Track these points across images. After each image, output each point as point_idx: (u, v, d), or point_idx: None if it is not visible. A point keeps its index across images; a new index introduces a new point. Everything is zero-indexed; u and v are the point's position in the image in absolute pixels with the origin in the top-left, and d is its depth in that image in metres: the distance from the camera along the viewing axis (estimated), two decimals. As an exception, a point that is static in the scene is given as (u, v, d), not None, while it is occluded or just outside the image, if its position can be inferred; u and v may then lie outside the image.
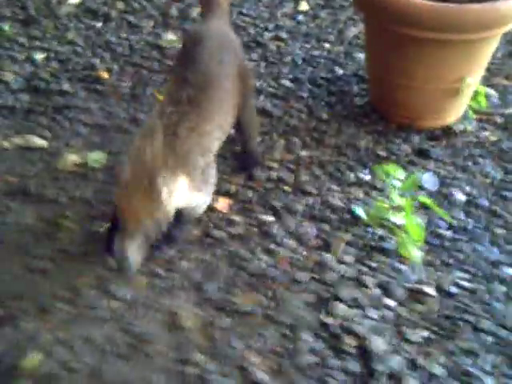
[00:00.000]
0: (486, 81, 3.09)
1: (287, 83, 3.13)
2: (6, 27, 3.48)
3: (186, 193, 2.05)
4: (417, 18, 2.49)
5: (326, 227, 2.36)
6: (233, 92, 2.27)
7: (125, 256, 1.94)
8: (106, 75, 3.15)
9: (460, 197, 2.52)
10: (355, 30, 3.58)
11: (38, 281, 2.14)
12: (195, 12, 3.67)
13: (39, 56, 3.27)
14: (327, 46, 3.45)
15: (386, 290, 2.13)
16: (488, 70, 2.89)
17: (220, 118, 2.19)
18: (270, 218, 2.38)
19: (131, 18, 3.61)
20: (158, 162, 1.96)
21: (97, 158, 2.63)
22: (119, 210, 1.99)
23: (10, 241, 2.28)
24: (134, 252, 1.95)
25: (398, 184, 2.24)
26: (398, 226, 2.24)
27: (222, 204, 2.42)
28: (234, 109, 2.30)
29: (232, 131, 2.43)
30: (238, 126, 2.44)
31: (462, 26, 2.47)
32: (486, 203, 2.51)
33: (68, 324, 2.02)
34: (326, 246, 2.29)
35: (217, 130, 2.18)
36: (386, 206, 2.25)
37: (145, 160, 1.96)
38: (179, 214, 2.15)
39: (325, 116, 2.91)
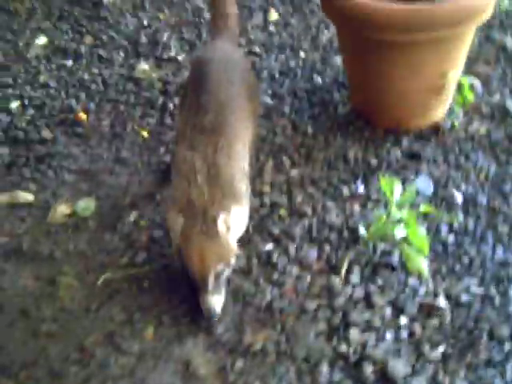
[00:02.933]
0: (467, 69, 3.05)
1: (267, 99, 3.08)
2: (-24, 78, 3.43)
3: (242, 220, 2.08)
4: (389, 21, 2.45)
5: (327, 248, 2.31)
6: (247, 110, 2.27)
7: (215, 313, 2.00)
8: (83, 116, 3.09)
9: (457, 197, 2.48)
10: (328, 34, 3.53)
11: (45, 345, 2.08)
12: (165, 37, 3.61)
13: (14, 104, 3.20)
14: (302, 54, 3.41)
15: (397, 308, 2.10)
16: (467, 57, 2.84)
17: (243, 135, 2.19)
18: (270, 246, 2.34)
19: (101, 52, 3.55)
20: (210, 203, 1.98)
21: (86, 206, 2.58)
22: (191, 270, 1.99)
23: (10, 305, 2.22)
24: (220, 303, 2.02)
25: (397, 196, 2.19)
26: (401, 239, 2.19)
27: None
28: (251, 128, 2.29)
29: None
30: None
31: (435, 24, 2.42)
32: (484, 200, 2.47)
33: (82, 387, 1.98)
34: (330, 268, 2.25)
35: (243, 149, 2.18)
36: (388, 219, 2.20)
37: (196, 206, 1.98)
38: None
39: (310, 130, 2.86)
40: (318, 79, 3.21)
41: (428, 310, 2.08)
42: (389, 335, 2.02)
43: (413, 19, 2.44)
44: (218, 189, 2.00)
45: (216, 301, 2.00)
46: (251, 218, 2.43)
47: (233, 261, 2.03)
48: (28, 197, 2.66)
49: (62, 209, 2.58)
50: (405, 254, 2.16)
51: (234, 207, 2.01)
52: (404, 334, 2.02)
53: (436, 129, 2.80)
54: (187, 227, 1.97)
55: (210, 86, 2.19)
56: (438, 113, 2.81)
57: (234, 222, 1.99)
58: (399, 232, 2.18)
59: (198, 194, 1.99)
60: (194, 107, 2.19)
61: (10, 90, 3.30)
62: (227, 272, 2.03)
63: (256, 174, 2.63)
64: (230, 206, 2.00)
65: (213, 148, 2.06)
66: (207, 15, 3.77)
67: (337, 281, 2.19)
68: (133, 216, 2.51)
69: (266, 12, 3.80)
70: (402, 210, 2.18)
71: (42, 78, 3.37)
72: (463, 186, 2.53)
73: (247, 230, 2.37)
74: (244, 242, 2.33)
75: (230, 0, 2.47)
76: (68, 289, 2.26)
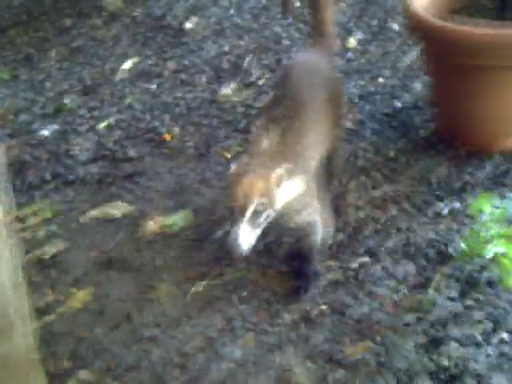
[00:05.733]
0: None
1: (348, 123, 3.12)
2: (68, 100, 3.55)
3: (297, 194, 2.09)
4: (484, 47, 2.48)
5: (424, 263, 2.32)
6: (324, 115, 2.33)
7: (237, 240, 1.96)
8: (168, 137, 3.18)
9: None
10: (407, 61, 3.58)
11: (148, 349, 2.14)
12: (246, 62, 3.71)
13: (101, 125, 3.31)
14: (381, 80, 3.46)
15: (498, 323, 2.08)
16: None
17: (314, 134, 2.26)
18: (365, 259, 2.36)
19: (184, 76, 3.66)
20: (280, 155, 2.07)
21: (174, 222, 2.65)
22: (235, 197, 2.00)
23: (114, 311, 2.30)
24: (246, 235, 1.97)
25: (495, 213, 2.20)
26: (496, 255, 2.19)
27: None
28: (327, 134, 2.35)
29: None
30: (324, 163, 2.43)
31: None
32: None
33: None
34: (428, 283, 2.25)
35: (313, 147, 2.25)
36: (484, 235, 2.21)
37: (265, 150, 2.09)
38: (301, 245, 2.26)
39: (392, 153, 2.89)
40: (398, 104, 3.24)
41: (529, 326, 2.07)
42: (490, 350, 2.01)
43: (502, 43, 2.47)
44: (289, 155, 2.10)
45: (247, 235, 1.98)
46: (344, 230, 2.47)
47: (274, 208, 2.02)
48: (116, 212, 2.74)
49: (151, 224, 2.65)
50: (500, 269, 2.16)
51: (297, 177, 2.08)
52: (506, 349, 2.01)
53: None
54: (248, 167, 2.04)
55: (288, 84, 2.32)
56: (523, 136, 2.82)
57: (290, 184, 2.04)
58: (493, 249, 2.18)
59: (268, 147, 2.10)
60: (272, 101, 2.33)
61: (97, 112, 3.43)
62: (266, 215, 2.00)
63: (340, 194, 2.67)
64: (295, 173, 2.06)
65: (281, 132, 2.13)
66: (286, 41, 3.86)
67: (435, 295, 2.19)
68: (220, 233, 2.57)
69: (344, 39, 3.86)
70: (493, 229, 2.19)
71: (127, 101, 3.49)
72: (553, 207, 2.52)
73: (341, 244, 2.41)
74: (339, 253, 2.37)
75: (327, 20, 2.56)
76: (168, 295, 2.32)
